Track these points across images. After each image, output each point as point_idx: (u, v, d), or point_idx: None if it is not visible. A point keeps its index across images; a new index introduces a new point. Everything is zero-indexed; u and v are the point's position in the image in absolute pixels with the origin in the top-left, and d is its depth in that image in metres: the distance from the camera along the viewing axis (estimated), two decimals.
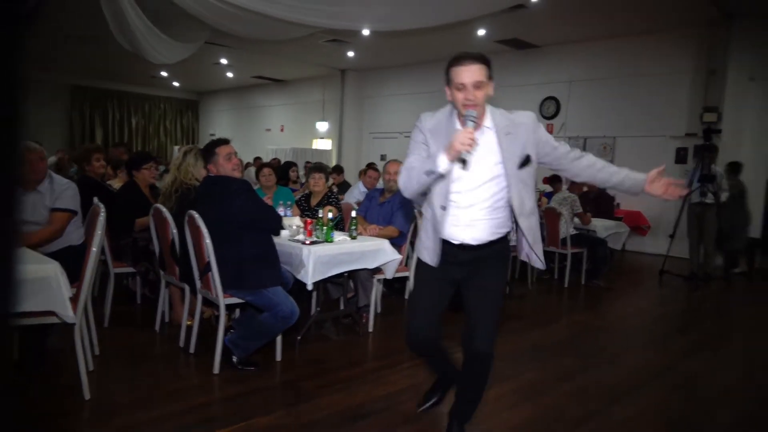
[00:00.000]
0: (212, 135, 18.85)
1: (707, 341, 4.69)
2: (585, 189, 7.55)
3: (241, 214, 3.15)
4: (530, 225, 2.31)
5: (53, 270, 2.52)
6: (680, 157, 8.95)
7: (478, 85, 2.07)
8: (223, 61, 13.43)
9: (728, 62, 8.18)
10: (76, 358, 2.79)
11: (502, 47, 10.53)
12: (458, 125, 2.17)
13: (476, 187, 2.21)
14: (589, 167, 2.33)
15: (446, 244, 2.30)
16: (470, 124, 2.01)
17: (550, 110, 10.50)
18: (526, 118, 2.24)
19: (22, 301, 2.45)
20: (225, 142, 3.38)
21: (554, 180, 7.82)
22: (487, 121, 2.21)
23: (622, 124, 9.60)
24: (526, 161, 2.21)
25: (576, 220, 6.58)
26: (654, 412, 3.11)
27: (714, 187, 6.66)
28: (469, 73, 2.07)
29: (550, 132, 10.35)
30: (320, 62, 12.85)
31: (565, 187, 7.32)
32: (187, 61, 10.06)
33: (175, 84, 18.05)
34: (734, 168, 7.32)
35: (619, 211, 8.90)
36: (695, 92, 8.75)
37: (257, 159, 11.82)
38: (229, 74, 15.41)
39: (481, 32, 9.45)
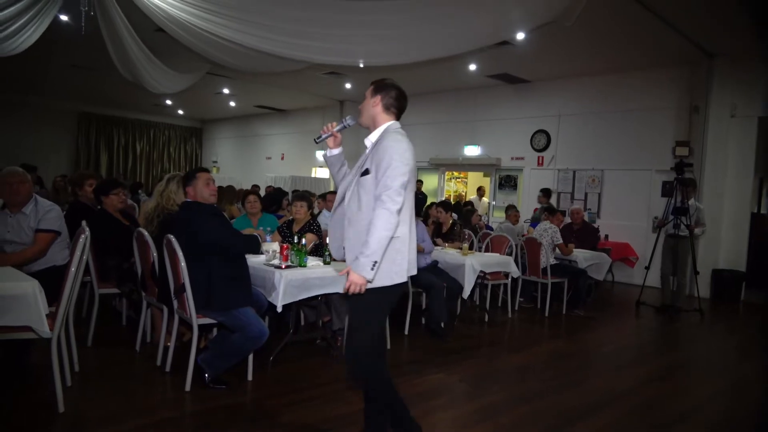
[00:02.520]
0: (215, 162, 19.24)
1: (668, 370, 4.80)
2: (569, 220, 7.73)
3: (209, 237, 3.34)
4: (349, 236, 2.48)
5: (31, 287, 2.70)
6: (666, 190, 9.11)
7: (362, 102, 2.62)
8: (226, 90, 13.82)
9: (710, 99, 8.42)
10: (53, 372, 2.94)
11: (494, 81, 10.84)
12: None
13: None
14: (365, 221, 2.39)
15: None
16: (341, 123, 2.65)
17: (540, 143, 10.74)
18: (386, 142, 2.46)
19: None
20: (205, 170, 3.62)
21: (551, 211, 7.74)
22: (371, 136, 2.60)
23: (610, 157, 9.82)
24: (365, 172, 2.48)
25: (557, 250, 6.73)
26: None
27: (687, 220, 6.82)
28: None
29: (540, 165, 10.65)
30: (319, 93, 13.21)
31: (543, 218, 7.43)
32: (191, 90, 10.42)
33: (180, 112, 18.49)
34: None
35: (607, 243, 9.05)
36: (679, 128, 8.98)
37: (254, 187, 12.04)
38: (232, 103, 15.81)
39: (473, 67, 9.76)
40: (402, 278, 2.47)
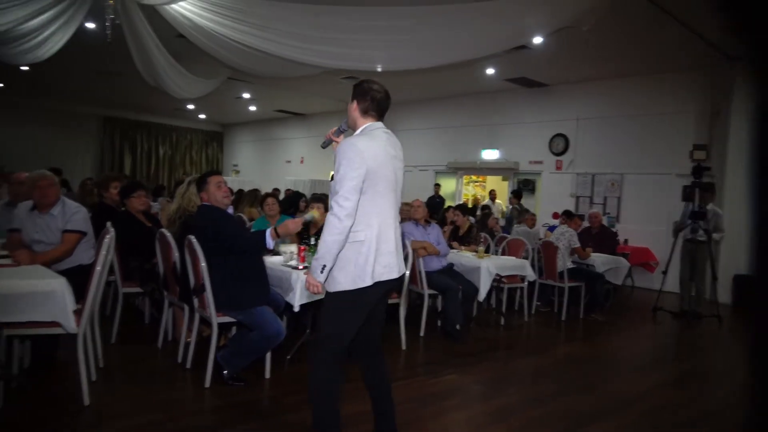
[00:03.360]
0: (235, 165, 19.51)
1: (682, 376, 4.78)
2: (586, 224, 7.70)
3: (216, 238, 3.44)
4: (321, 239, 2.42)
5: (59, 284, 2.82)
6: (686, 194, 9.02)
7: None
8: (246, 95, 14.03)
9: (732, 103, 8.32)
10: (78, 366, 3.06)
11: (512, 85, 10.86)
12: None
13: None
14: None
15: None
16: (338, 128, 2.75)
17: (559, 147, 10.71)
18: (339, 146, 2.48)
19: (30, 312, 2.77)
20: (216, 173, 3.74)
21: (569, 215, 7.76)
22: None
23: (629, 161, 9.76)
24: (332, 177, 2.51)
25: (574, 254, 6.72)
26: None
27: (705, 224, 6.76)
28: None
29: (558, 169, 10.62)
30: (338, 97, 13.34)
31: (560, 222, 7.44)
32: (212, 94, 10.63)
33: (201, 116, 18.81)
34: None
35: (626, 247, 8.99)
36: (700, 132, 8.89)
37: (275, 190, 12.19)
38: (252, 108, 16.04)
39: (491, 71, 9.80)
40: (366, 282, 2.38)
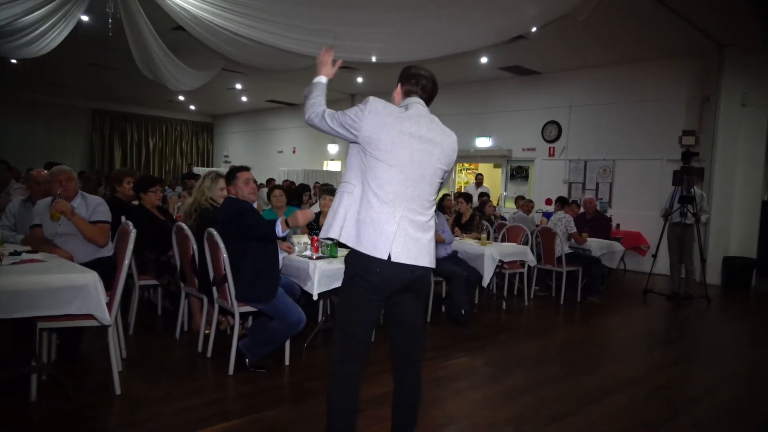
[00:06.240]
0: (226, 156, 19.44)
1: (680, 355, 4.99)
2: (581, 210, 7.88)
3: (240, 226, 3.57)
4: None
5: (92, 278, 2.91)
6: (677, 179, 9.24)
7: None
8: (238, 86, 14.01)
9: (721, 89, 8.52)
10: (110, 357, 3.18)
11: (505, 74, 10.98)
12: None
13: None
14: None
15: None
16: None
17: (551, 134, 10.88)
18: None
19: (65, 305, 2.86)
20: (246, 169, 3.83)
21: (563, 202, 7.85)
22: None
23: (621, 147, 9.96)
24: None
25: (571, 239, 6.90)
26: (625, 413, 3.42)
27: (694, 208, 6.97)
28: None
29: (551, 155, 10.80)
30: (331, 87, 13.09)
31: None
32: (204, 86, 10.58)
33: (192, 107, 18.71)
34: None
35: (618, 231, 9.21)
36: (690, 118, 9.10)
37: (270, 180, 12.26)
38: (244, 98, 16.00)
39: (484, 60, 9.90)
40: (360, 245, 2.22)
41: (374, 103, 2.24)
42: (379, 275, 2.21)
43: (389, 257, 2.19)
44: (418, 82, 2.38)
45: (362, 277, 2.23)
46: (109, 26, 6.10)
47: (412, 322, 2.41)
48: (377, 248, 2.19)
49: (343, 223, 2.24)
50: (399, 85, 2.42)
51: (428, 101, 2.42)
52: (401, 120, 2.25)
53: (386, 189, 2.21)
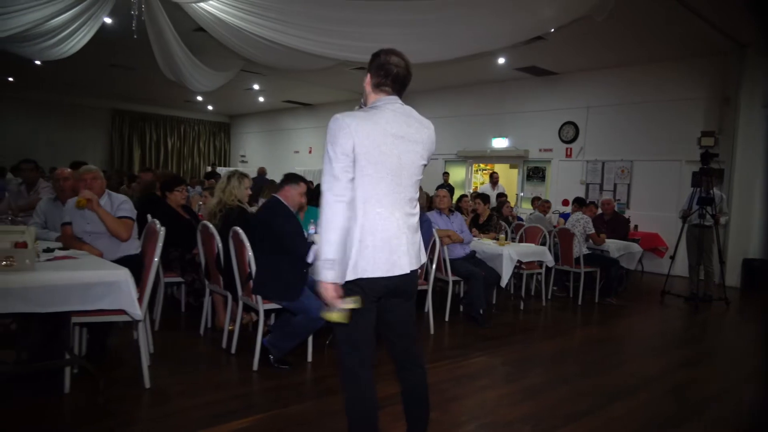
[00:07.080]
0: (243, 156, 19.62)
1: (700, 356, 4.99)
2: (599, 212, 7.87)
3: (280, 233, 3.64)
4: None
5: (124, 275, 3.01)
6: (696, 180, 9.18)
7: None
8: (255, 86, 14.15)
9: (741, 89, 8.46)
10: (140, 351, 3.27)
11: (522, 74, 10.97)
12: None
13: None
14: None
15: None
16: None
17: (569, 135, 10.86)
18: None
19: (98, 300, 2.96)
20: (307, 183, 3.97)
21: (581, 203, 7.83)
22: None
23: (639, 148, 9.91)
24: None
25: (589, 240, 6.90)
26: (642, 413, 3.44)
27: (713, 210, 6.93)
28: None
29: (568, 156, 10.78)
30: (347, 87, 13.46)
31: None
32: (222, 86, 10.75)
33: (209, 107, 18.92)
34: None
35: (636, 233, 9.18)
36: (710, 118, 9.03)
37: None
38: (261, 99, 16.16)
39: (501, 60, 9.91)
40: (348, 276, 2.04)
41: (342, 119, 2.03)
42: (374, 290, 2.13)
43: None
44: (388, 74, 2.16)
45: (355, 283, 2.08)
46: (133, 28, 6.22)
47: (403, 324, 2.33)
48: (397, 265, 2.11)
49: (354, 263, 2.06)
50: (368, 75, 2.22)
51: (401, 90, 2.23)
52: (378, 124, 2.10)
53: (383, 202, 2.09)
